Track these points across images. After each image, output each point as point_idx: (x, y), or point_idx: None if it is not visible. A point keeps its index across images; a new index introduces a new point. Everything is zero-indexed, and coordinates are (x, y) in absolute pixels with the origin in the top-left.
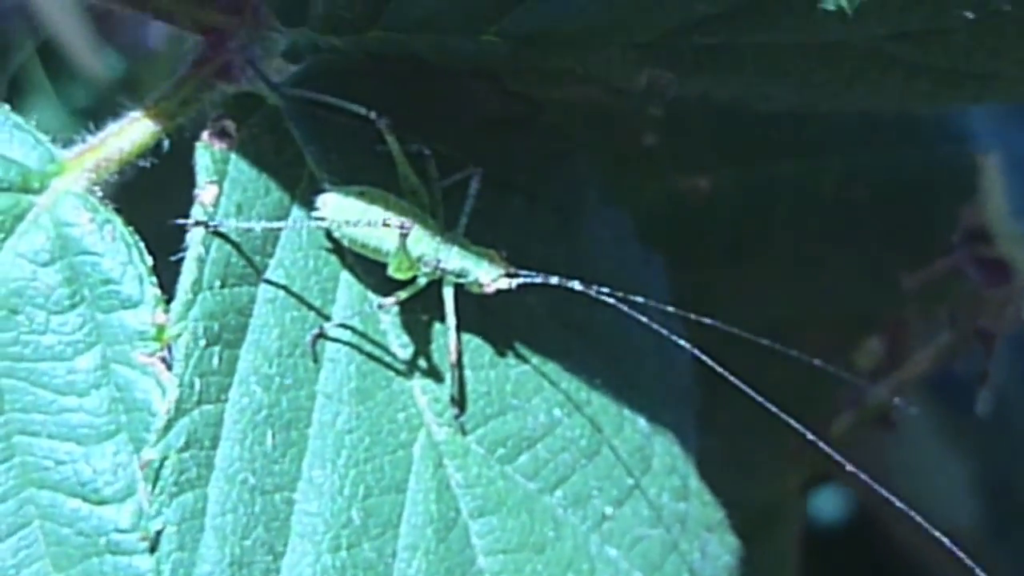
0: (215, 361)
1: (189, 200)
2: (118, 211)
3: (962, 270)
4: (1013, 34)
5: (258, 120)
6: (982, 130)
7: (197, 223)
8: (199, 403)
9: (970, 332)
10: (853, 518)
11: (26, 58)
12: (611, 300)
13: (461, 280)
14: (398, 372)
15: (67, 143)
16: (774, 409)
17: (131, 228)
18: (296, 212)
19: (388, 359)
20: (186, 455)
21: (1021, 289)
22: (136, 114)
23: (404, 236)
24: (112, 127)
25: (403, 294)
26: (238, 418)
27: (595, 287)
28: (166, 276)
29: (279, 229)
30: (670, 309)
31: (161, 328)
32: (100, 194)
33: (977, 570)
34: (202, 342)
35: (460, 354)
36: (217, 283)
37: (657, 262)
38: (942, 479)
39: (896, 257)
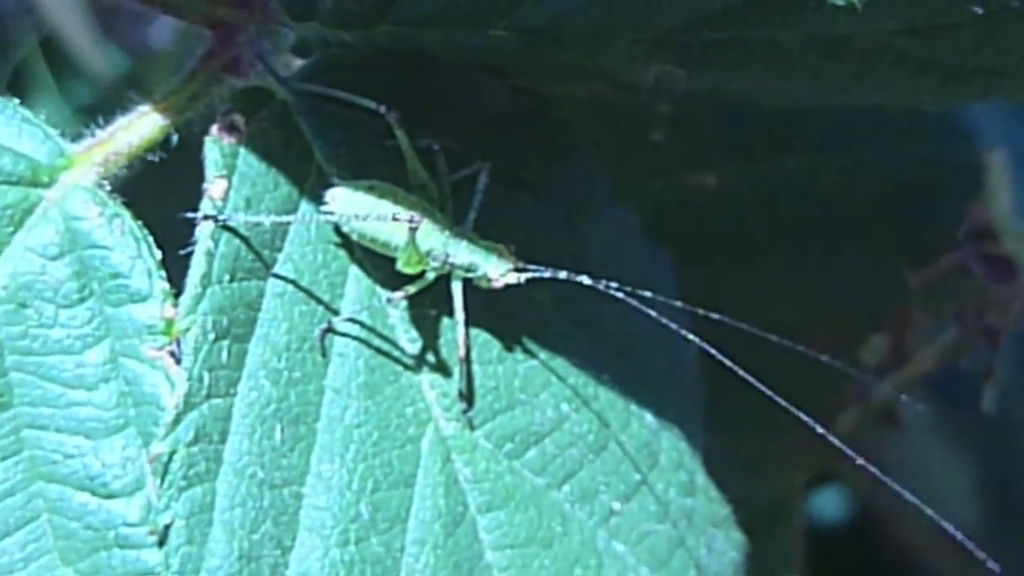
0: (224, 355)
1: (198, 195)
2: (127, 205)
3: (968, 267)
4: (1021, 30)
5: (267, 115)
6: (987, 127)
7: (206, 217)
8: (208, 397)
9: (976, 329)
10: (854, 519)
11: (29, 54)
12: (620, 295)
13: (470, 275)
14: (406, 367)
15: (76, 137)
16: (782, 402)
17: (140, 222)
18: (305, 206)
19: (396, 354)
20: (195, 449)
21: None
22: (145, 108)
23: (413, 230)
24: (121, 121)
25: (412, 288)
26: (247, 412)
27: (604, 282)
28: (175, 270)
29: (288, 223)
30: (678, 304)
31: (170, 322)
32: (109, 188)
33: (988, 561)
34: (211, 336)
35: (468, 349)
36: (226, 277)
37: (664, 258)
38: (944, 479)
39: (901, 254)
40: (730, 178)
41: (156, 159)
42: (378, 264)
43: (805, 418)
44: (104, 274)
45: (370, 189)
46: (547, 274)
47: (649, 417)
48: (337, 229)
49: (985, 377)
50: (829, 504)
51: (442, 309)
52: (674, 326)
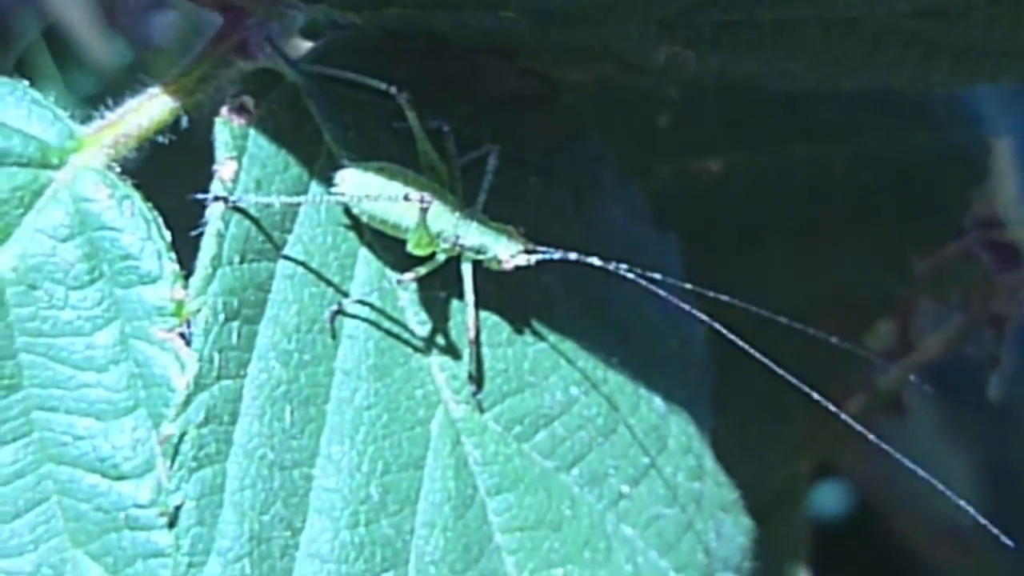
0: (234, 336)
1: (207, 177)
2: (137, 187)
3: (974, 254)
4: None
5: (277, 96)
6: (994, 115)
7: (216, 198)
8: (218, 378)
9: (981, 316)
10: (855, 513)
11: (32, 45)
12: (630, 276)
13: (480, 256)
14: (416, 349)
15: (85, 119)
16: (793, 380)
17: (150, 204)
18: (315, 188)
19: (406, 336)
20: (205, 430)
21: None
22: (154, 90)
23: (424, 211)
24: (130, 103)
25: (422, 270)
26: (257, 394)
27: (613, 263)
28: (185, 252)
29: (298, 205)
30: (687, 286)
31: (180, 303)
32: (119, 170)
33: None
34: (221, 317)
35: (478, 331)
36: (236, 258)
37: (671, 241)
38: (945, 472)
39: (908, 241)
40: (736, 165)
41: (166, 141)
42: (388, 246)
43: (816, 396)
44: (114, 256)
45: (380, 171)
46: (557, 256)
47: (658, 401)
48: (347, 211)
49: (990, 364)
50: (830, 498)
51: (452, 291)
52: (685, 306)
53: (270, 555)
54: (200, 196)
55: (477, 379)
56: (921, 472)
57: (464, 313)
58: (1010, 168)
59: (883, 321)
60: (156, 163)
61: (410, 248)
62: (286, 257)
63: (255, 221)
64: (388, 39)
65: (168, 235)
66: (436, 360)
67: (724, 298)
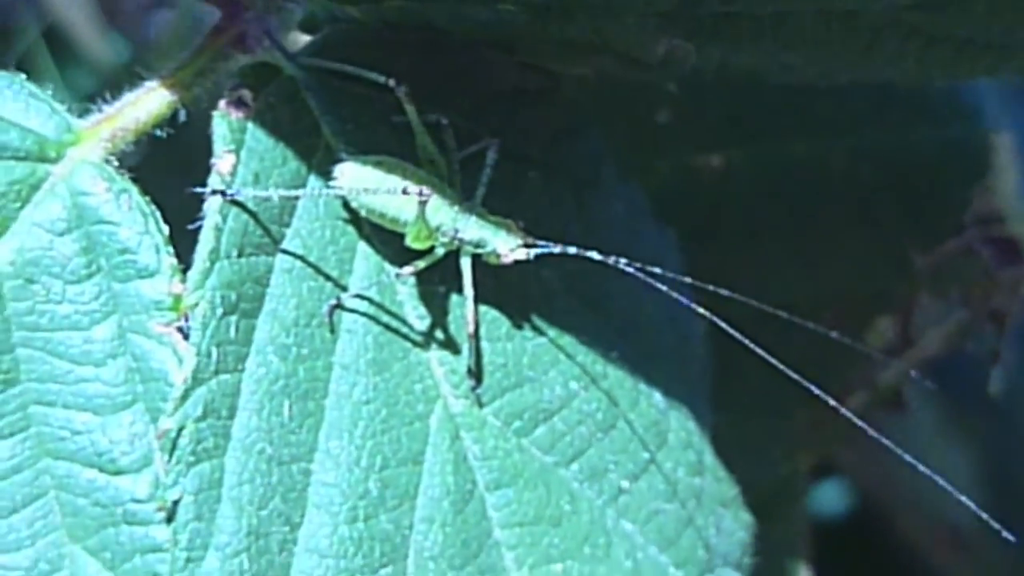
0: (232, 331)
1: (205, 171)
2: (134, 180)
3: (974, 250)
4: None
5: (275, 90)
6: (995, 109)
7: (214, 192)
8: (216, 373)
9: (982, 312)
10: (855, 512)
11: (32, 43)
12: (630, 270)
13: (479, 250)
14: (415, 343)
15: (83, 113)
16: (794, 375)
17: (147, 197)
18: (313, 182)
19: (405, 330)
20: (203, 425)
21: None
22: (152, 84)
23: (423, 204)
24: (128, 97)
25: (421, 264)
26: (255, 388)
27: (613, 257)
28: (183, 246)
29: (296, 198)
30: (687, 280)
31: (178, 298)
32: (117, 164)
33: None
34: (219, 311)
35: (477, 326)
36: (234, 252)
37: (671, 236)
38: (945, 468)
39: (908, 237)
40: (736, 160)
41: (164, 135)
42: (387, 240)
43: (817, 391)
44: (112, 250)
45: (379, 164)
46: (556, 250)
47: (658, 396)
48: (346, 205)
49: (991, 360)
50: (831, 497)
51: (451, 286)
52: (685, 301)
53: (268, 550)
54: (198, 190)
55: (476, 374)
56: (921, 467)
57: (463, 307)
58: (1010, 163)
59: (883, 317)
60: (154, 157)
61: (409, 242)
62: (284, 251)
63: (253, 215)
64: (387, 33)
65: (166, 229)
66: (435, 354)
67: (724, 293)
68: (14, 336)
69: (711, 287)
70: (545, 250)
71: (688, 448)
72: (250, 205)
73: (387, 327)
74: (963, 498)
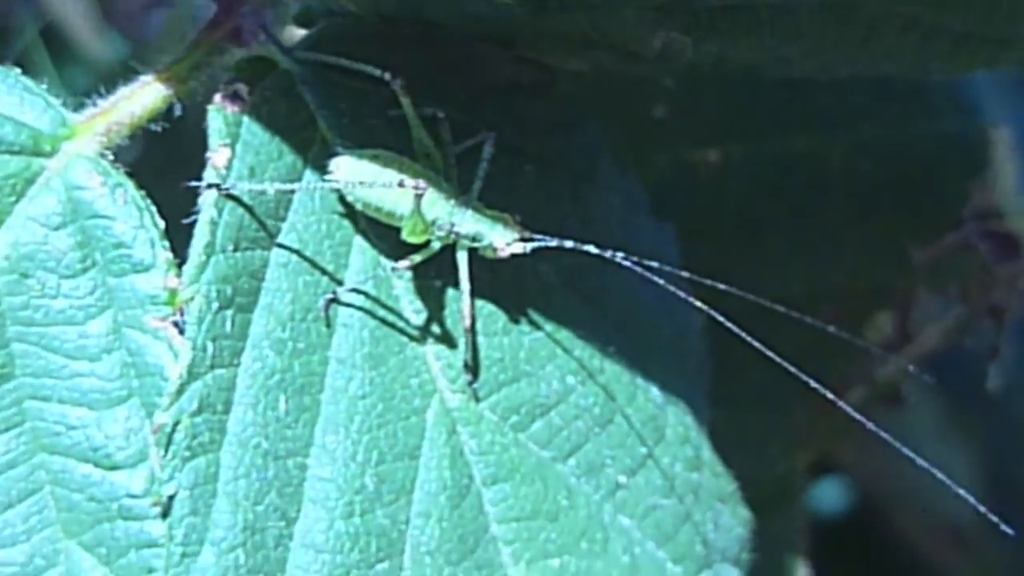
0: (228, 325)
1: (200, 165)
2: (130, 175)
3: (973, 245)
4: None
5: (270, 84)
6: (993, 104)
7: (210, 186)
8: (212, 367)
9: (980, 307)
10: (854, 510)
11: (29, 42)
12: (627, 264)
13: (475, 244)
14: (411, 338)
15: (78, 107)
16: (794, 370)
17: (143, 192)
18: (309, 176)
19: (401, 324)
20: (198, 419)
21: None
22: (147, 78)
23: (419, 197)
24: (123, 91)
25: (417, 258)
26: (251, 383)
27: (610, 251)
28: (178, 240)
29: (292, 192)
30: (684, 274)
31: (173, 292)
32: (112, 158)
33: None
34: (215, 306)
35: (474, 320)
36: (230, 246)
37: (668, 230)
38: (944, 463)
39: (906, 232)
40: (734, 155)
41: (159, 129)
42: (383, 234)
43: (816, 385)
44: (107, 244)
45: (375, 158)
46: (553, 244)
47: (655, 391)
48: (342, 199)
49: (989, 355)
50: (830, 494)
51: (447, 280)
52: (683, 295)
53: (264, 545)
54: (193, 184)
55: (473, 368)
56: (920, 461)
57: (459, 301)
58: (1009, 158)
59: (882, 312)
60: (149, 151)
61: (405, 236)
62: (280, 245)
63: (249, 209)
64: (383, 27)
65: (161, 223)
66: (431, 349)
67: (722, 287)
68: (9, 331)
69: (709, 281)
70: (542, 244)
71: (686, 443)
72: (246, 199)
73: (383, 321)
74: (961, 491)
